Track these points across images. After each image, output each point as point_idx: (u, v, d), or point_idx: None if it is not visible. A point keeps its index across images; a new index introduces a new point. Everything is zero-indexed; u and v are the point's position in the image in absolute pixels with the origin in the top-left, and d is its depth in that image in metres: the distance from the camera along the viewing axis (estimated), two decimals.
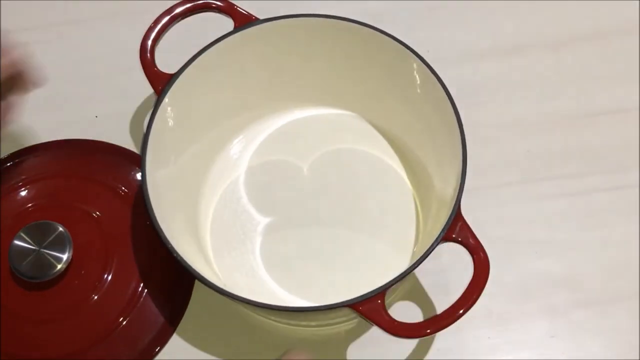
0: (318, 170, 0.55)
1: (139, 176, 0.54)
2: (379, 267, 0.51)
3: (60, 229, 0.49)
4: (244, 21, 0.51)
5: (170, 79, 0.49)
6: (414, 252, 0.51)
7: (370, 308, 0.43)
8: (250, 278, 0.51)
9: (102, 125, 0.59)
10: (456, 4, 0.64)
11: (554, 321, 0.52)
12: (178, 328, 0.52)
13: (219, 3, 0.52)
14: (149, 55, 0.50)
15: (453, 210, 0.44)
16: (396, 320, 0.42)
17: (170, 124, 0.50)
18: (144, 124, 0.50)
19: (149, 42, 0.50)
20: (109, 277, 0.51)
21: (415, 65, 0.50)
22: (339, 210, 0.54)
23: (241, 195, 0.54)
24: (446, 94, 0.48)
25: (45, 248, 0.49)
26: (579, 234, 0.55)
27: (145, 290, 0.51)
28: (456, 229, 0.44)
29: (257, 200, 0.54)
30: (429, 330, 0.43)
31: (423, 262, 0.43)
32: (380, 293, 0.43)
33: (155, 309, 0.51)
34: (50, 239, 0.49)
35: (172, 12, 0.51)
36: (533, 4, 0.63)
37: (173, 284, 0.52)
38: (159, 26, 0.51)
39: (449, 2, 0.64)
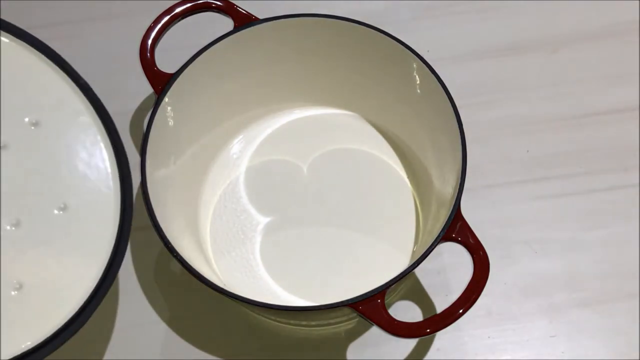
0: (318, 170, 0.55)
1: None
2: (379, 267, 0.51)
3: None
4: (244, 21, 0.51)
5: (170, 78, 0.49)
6: (414, 252, 0.51)
7: (370, 307, 0.43)
8: (250, 278, 0.51)
9: None
10: (456, 4, 0.64)
11: (554, 321, 0.52)
12: (178, 328, 0.52)
13: (219, 3, 0.52)
14: (149, 55, 0.50)
15: (453, 210, 0.44)
16: (396, 320, 0.42)
17: (170, 124, 0.50)
18: (144, 124, 0.50)
19: (149, 42, 0.50)
20: None
21: (415, 65, 0.50)
22: (339, 210, 0.54)
23: (241, 195, 0.54)
24: (446, 94, 0.48)
25: None
26: (579, 234, 0.55)
27: None
28: (456, 229, 0.44)
29: (257, 200, 0.54)
30: (428, 330, 0.43)
31: (423, 262, 0.43)
32: (380, 292, 0.43)
33: None
34: None
35: (172, 12, 0.51)
36: (533, 4, 0.63)
37: None
38: (158, 26, 0.51)
39: (449, 2, 0.64)
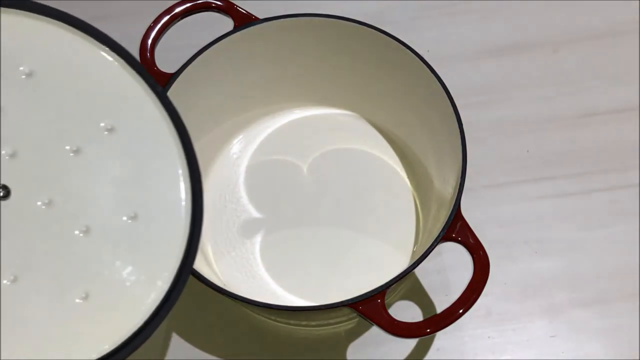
0: (318, 170, 0.55)
1: None
2: (379, 267, 0.51)
3: None
4: (243, 21, 0.51)
5: (170, 78, 0.49)
6: (414, 252, 0.51)
7: (370, 307, 0.43)
8: (250, 278, 0.51)
9: None
10: (456, 4, 0.64)
11: (554, 321, 0.52)
12: (178, 328, 0.52)
13: (218, 3, 0.52)
14: (149, 54, 0.50)
15: (453, 210, 0.44)
16: (396, 320, 0.42)
17: None
18: None
19: (149, 42, 0.50)
20: None
21: (415, 65, 0.50)
22: (339, 210, 0.54)
23: (241, 195, 0.54)
24: (446, 94, 0.48)
25: None
26: (579, 234, 0.55)
27: None
28: (456, 229, 0.44)
29: (257, 200, 0.54)
30: (428, 330, 0.43)
31: (423, 262, 0.43)
32: (380, 292, 0.43)
33: None
34: None
35: (172, 12, 0.51)
36: (533, 3, 0.63)
37: None
38: (158, 26, 0.51)
39: (449, 2, 0.64)
